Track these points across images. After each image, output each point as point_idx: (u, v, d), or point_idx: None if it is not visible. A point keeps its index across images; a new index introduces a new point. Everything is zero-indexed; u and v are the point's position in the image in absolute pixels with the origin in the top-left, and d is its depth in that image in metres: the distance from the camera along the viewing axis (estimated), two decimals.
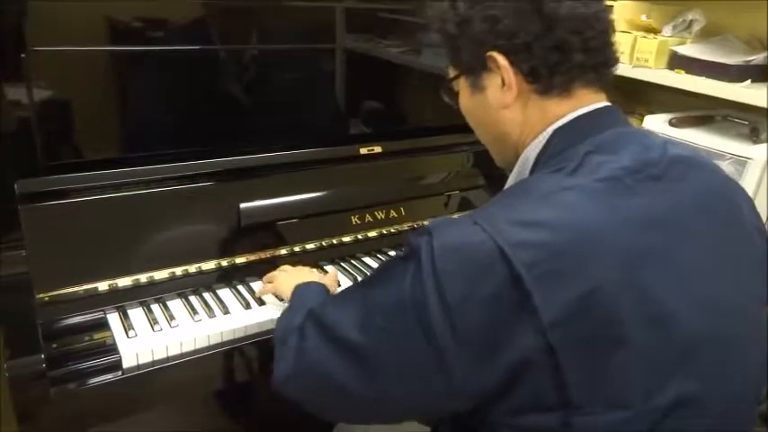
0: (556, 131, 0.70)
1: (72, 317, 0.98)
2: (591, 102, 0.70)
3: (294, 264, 1.14)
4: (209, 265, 1.10)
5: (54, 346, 0.92)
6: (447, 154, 1.42)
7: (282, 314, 0.85)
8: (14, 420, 0.85)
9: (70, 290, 0.98)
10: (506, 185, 0.78)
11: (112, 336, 0.97)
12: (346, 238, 1.25)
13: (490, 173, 1.46)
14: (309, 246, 1.21)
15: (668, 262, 0.61)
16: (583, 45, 0.67)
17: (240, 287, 1.13)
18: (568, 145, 0.68)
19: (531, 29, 0.67)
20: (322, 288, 0.95)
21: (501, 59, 0.69)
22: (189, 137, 1.14)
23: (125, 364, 0.93)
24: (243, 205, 1.13)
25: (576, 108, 0.70)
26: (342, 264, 1.24)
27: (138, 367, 0.94)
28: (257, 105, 1.22)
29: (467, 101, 0.78)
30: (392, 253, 1.31)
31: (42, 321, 0.94)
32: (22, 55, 0.93)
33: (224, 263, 1.12)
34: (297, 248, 1.20)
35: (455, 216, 0.65)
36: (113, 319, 1.01)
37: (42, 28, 0.95)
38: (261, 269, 1.16)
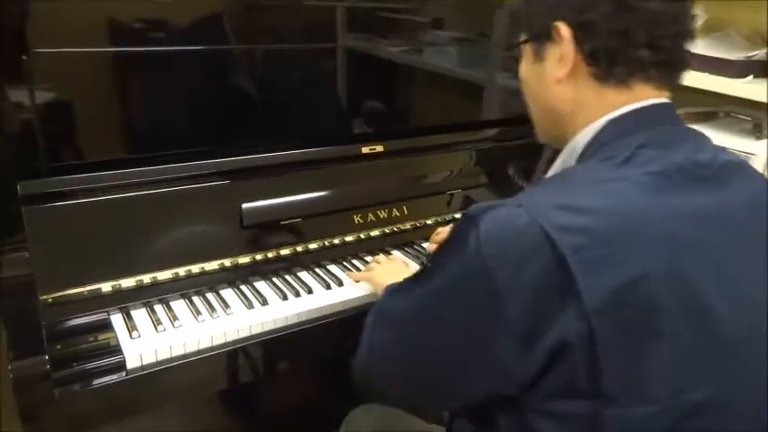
0: (610, 122, 0.68)
1: (76, 318, 0.98)
2: (649, 96, 0.69)
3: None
4: (212, 265, 1.10)
5: (58, 347, 0.92)
6: (449, 153, 1.42)
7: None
8: (16, 421, 0.85)
9: (74, 291, 0.98)
10: (550, 173, 0.77)
11: (116, 337, 0.97)
12: (349, 238, 1.25)
13: (492, 171, 1.46)
14: (312, 245, 1.21)
15: (714, 259, 0.61)
16: (649, 40, 0.66)
17: (243, 287, 1.13)
18: (620, 136, 0.67)
19: (602, 8, 0.65)
20: None
21: (564, 31, 0.68)
22: (191, 137, 1.14)
23: (129, 365, 0.93)
24: (245, 205, 1.13)
25: (633, 101, 0.68)
26: (344, 263, 1.24)
27: (142, 368, 0.94)
28: (259, 105, 1.22)
29: (526, 68, 0.77)
30: (395, 252, 1.31)
31: (46, 323, 0.94)
32: (24, 57, 0.93)
33: (227, 263, 1.12)
34: (299, 248, 1.20)
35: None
36: (117, 319, 1.01)
37: (44, 29, 0.95)
38: (264, 269, 1.16)
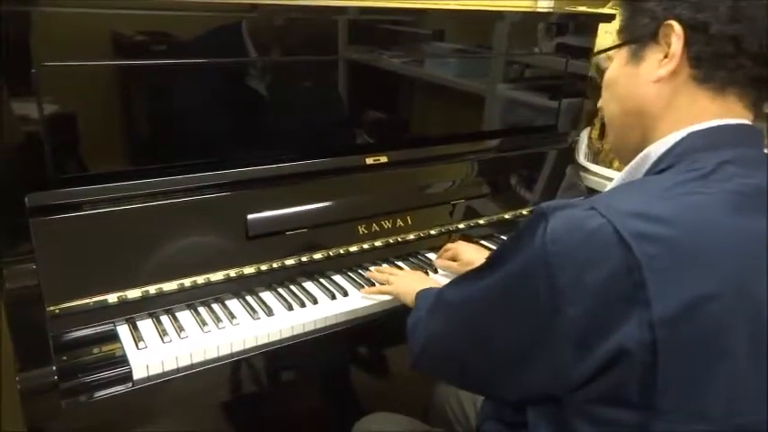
0: (693, 134, 0.67)
1: (82, 329, 0.98)
2: (738, 116, 0.67)
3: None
4: (218, 276, 1.11)
5: (64, 358, 0.92)
6: (452, 163, 1.43)
7: (411, 314, 0.93)
8: (16, 422, 0.85)
9: (80, 302, 0.98)
10: (616, 181, 0.76)
11: (122, 347, 0.97)
12: (353, 248, 1.26)
13: (496, 181, 1.47)
14: (317, 256, 1.21)
15: None
16: (758, 51, 0.65)
17: (249, 297, 1.13)
18: (704, 149, 0.65)
19: (719, 11, 0.64)
20: None
21: (678, 28, 0.66)
22: (198, 149, 1.15)
23: (135, 376, 0.93)
24: (250, 216, 1.14)
25: (722, 115, 0.67)
26: (349, 273, 1.24)
27: (149, 378, 0.94)
28: (263, 117, 1.23)
29: (616, 70, 0.76)
30: (399, 263, 1.31)
31: (53, 334, 0.94)
32: (33, 70, 0.94)
33: (232, 273, 1.12)
34: (304, 258, 1.20)
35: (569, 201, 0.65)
36: (123, 330, 1.01)
37: (52, 42, 0.96)
38: (269, 279, 1.16)
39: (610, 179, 1.73)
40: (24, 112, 0.97)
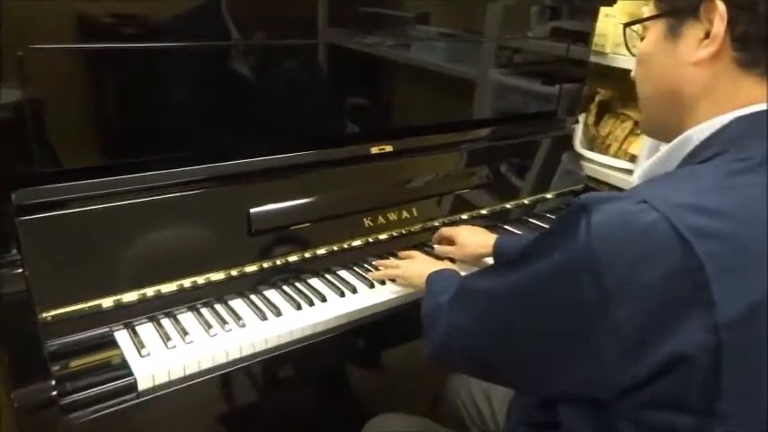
0: (741, 118, 0.63)
1: (78, 336, 0.91)
2: None
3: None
4: (219, 275, 1.04)
5: (61, 369, 0.85)
6: (456, 151, 1.38)
7: (426, 298, 0.89)
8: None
9: (74, 308, 0.91)
10: (653, 162, 0.72)
11: (124, 356, 0.90)
12: (358, 242, 1.20)
13: (497, 169, 1.43)
14: (320, 251, 1.15)
15: None
16: None
17: (253, 297, 1.07)
18: (755, 136, 0.61)
19: None
20: (457, 273, 0.97)
21: (721, 7, 0.61)
22: (194, 140, 1.07)
23: (140, 386, 0.86)
24: (253, 210, 1.07)
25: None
26: (355, 268, 1.19)
27: (155, 389, 0.87)
28: (262, 106, 1.15)
29: (652, 46, 0.70)
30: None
31: (47, 343, 0.86)
32: (19, 53, 0.85)
33: (234, 272, 1.05)
34: (308, 254, 1.14)
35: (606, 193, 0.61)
36: (122, 336, 0.94)
37: (37, 26, 0.87)
38: (273, 277, 1.10)
39: (606, 165, 1.72)
40: (6, 100, 0.88)
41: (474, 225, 1.37)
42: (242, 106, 1.12)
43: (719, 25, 0.62)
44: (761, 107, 0.62)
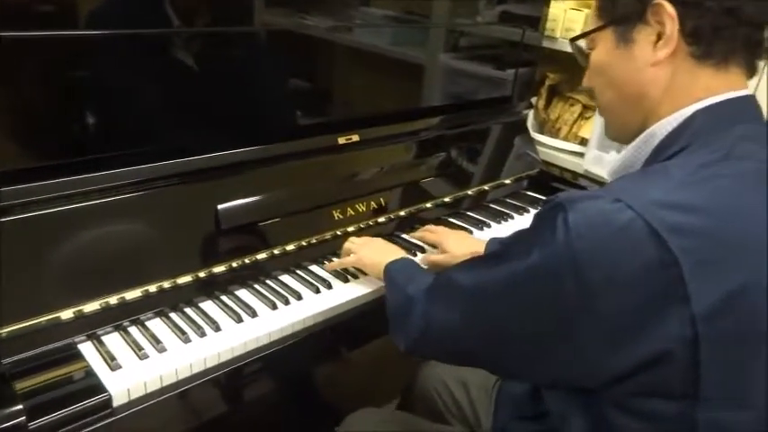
0: (699, 111, 0.64)
1: (36, 352, 0.83)
2: (741, 87, 0.65)
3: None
4: (186, 277, 0.98)
5: (24, 391, 0.77)
6: (418, 140, 1.36)
7: (390, 290, 0.91)
8: None
9: (30, 322, 0.83)
10: (620, 160, 0.73)
11: (93, 370, 0.83)
12: (327, 235, 1.16)
13: (462, 154, 1.43)
14: (290, 246, 1.11)
15: None
16: (754, 17, 0.62)
17: (224, 298, 1.01)
18: (717, 127, 0.63)
19: None
20: (415, 263, 0.99)
21: (670, 8, 0.62)
22: (153, 135, 0.99)
23: (115, 403, 0.79)
24: (221, 206, 1.01)
25: (726, 88, 0.64)
26: (326, 262, 1.15)
27: (130, 404, 0.81)
28: (219, 96, 1.09)
29: (605, 55, 0.71)
30: None
31: (2, 362, 0.78)
32: None
33: (202, 273, 0.99)
34: (276, 251, 1.09)
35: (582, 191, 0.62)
36: (87, 349, 0.87)
37: None
38: (242, 276, 1.05)
39: (557, 149, 1.75)
40: None
41: (438, 213, 1.37)
42: (199, 98, 1.05)
43: (671, 25, 0.64)
44: (719, 98, 0.65)
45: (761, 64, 0.68)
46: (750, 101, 0.66)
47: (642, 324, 0.55)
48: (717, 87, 0.65)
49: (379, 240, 1.14)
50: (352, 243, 1.11)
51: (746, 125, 0.63)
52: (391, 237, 1.27)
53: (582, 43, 0.77)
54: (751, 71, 0.67)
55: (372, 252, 1.07)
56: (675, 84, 0.66)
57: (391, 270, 0.95)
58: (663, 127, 0.67)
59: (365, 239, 1.13)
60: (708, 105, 0.64)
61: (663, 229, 0.53)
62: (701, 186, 0.58)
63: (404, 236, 1.28)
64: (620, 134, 0.76)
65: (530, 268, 0.61)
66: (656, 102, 0.68)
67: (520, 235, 0.67)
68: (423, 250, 1.22)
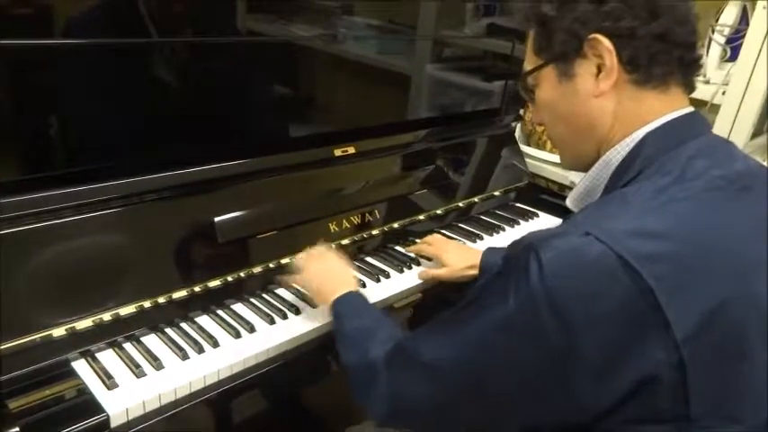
0: (649, 134, 0.66)
1: (30, 372, 0.80)
2: (682, 105, 0.68)
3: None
4: (182, 292, 0.96)
5: (19, 412, 0.74)
6: (413, 152, 1.36)
7: (344, 345, 0.85)
8: None
9: (21, 341, 0.80)
10: (580, 188, 0.74)
11: (89, 390, 0.80)
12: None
13: (453, 167, 1.43)
14: (285, 260, 1.09)
15: None
16: (684, 39, 0.65)
17: (221, 312, 0.99)
18: (667, 148, 0.65)
19: (638, 13, 0.63)
20: (365, 300, 0.93)
21: (606, 42, 0.64)
22: (145, 147, 0.97)
23: (113, 423, 0.77)
24: (218, 219, 1.00)
25: (670, 109, 0.67)
26: None
27: (129, 425, 0.78)
28: (214, 109, 1.07)
29: (550, 92, 0.72)
30: (368, 259, 1.22)
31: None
32: None
33: (197, 288, 0.97)
34: (272, 264, 1.08)
35: (550, 227, 0.61)
36: (81, 367, 0.84)
37: None
38: (238, 290, 1.03)
39: (543, 160, 1.76)
40: None
41: (431, 225, 1.37)
42: (193, 111, 1.04)
43: (610, 58, 0.66)
44: (666, 118, 0.67)
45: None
46: (695, 116, 0.69)
47: (627, 354, 0.55)
48: (662, 108, 0.67)
49: (331, 258, 1.03)
50: (301, 258, 1.03)
51: (696, 140, 0.66)
52: (385, 249, 1.26)
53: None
54: (689, 89, 0.70)
55: (318, 275, 0.99)
56: (622, 110, 0.68)
57: (342, 315, 0.89)
58: (617, 152, 0.69)
59: (318, 252, 1.04)
60: (657, 127, 0.66)
61: (633, 259, 0.54)
62: (660, 212, 0.59)
63: (398, 248, 1.27)
64: (575, 164, 0.78)
65: (507, 317, 0.59)
66: (607, 129, 0.69)
67: (491, 283, 0.64)
68: (418, 263, 1.22)
